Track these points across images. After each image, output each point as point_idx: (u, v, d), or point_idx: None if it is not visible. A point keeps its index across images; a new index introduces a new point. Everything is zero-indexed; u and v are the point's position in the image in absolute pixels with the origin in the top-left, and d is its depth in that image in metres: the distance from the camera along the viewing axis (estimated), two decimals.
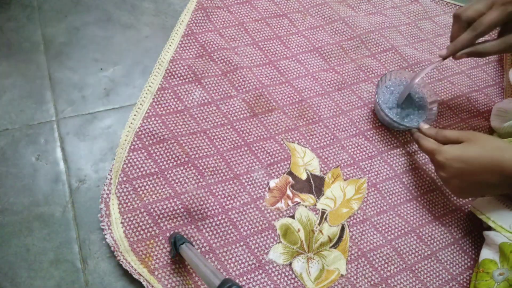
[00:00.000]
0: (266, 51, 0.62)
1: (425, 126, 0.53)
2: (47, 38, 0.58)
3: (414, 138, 0.53)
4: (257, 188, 0.51)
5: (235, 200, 0.50)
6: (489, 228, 0.48)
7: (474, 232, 0.53)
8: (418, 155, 0.57)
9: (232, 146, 0.53)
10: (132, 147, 0.50)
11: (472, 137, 0.45)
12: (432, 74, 0.66)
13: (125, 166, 0.49)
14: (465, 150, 0.45)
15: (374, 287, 0.47)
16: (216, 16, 0.64)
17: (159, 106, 0.54)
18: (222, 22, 0.63)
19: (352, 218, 0.51)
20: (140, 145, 0.51)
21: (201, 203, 0.48)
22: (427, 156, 0.57)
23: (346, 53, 0.65)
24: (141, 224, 0.46)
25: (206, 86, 0.57)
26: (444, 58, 0.52)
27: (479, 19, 0.47)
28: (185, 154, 0.51)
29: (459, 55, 0.50)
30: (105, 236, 0.45)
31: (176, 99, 0.55)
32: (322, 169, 0.54)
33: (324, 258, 0.48)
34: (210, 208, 0.48)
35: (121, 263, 0.44)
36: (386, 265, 0.49)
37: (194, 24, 0.62)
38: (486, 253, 0.46)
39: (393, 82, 0.60)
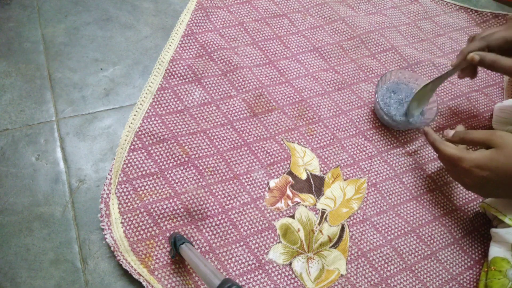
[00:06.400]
0: (266, 51, 0.62)
1: (450, 134, 0.50)
2: (47, 38, 0.58)
3: (431, 143, 0.50)
4: (257, 188, 0.51)
5: (235, 200, 0.50)
6: (497, 226, 0.47)
7: (474, 232, 0.53)
8: (418, 155, 0.57)
9: (232, 146, 0.53)
10: (132, 147, 0.50)
11: (500, 143, 0.43)
12: (432, 74, 0.66)
13: (125, 166, 0.49)
14: (492, 158, 0.42)
15: (374, 287, 0.47)
16: (216, 16, 0.64)
17: (159, 106, 0.54)
18: (222, 22, 0.63)
19: (352, 218, 0.51)
20: (140, 145, 0.51)
21: (201, 203, 0.48)
22: (427, 156, 0.57)
23: (346, 53, 0.65)
24: (141, 224, 0.46)
25: (206, 86, 0.57)
26: (456, 66, 0.52)
27: (491, 32, 0.50)
28: (185, 154, 0.51)
29: (471, 55, 0.49)
30: (105, 236, 0.45)
31: (176, 99, 0.55)
32: (322, 169, 0.54)
33: (324, 258, 0.48)
34: (210, 208, 0.48)
35: (121, 263, 0.44)
36: (386, 265, 0.49)
37: (194, 24, 0.62)
38: (496, 251, 0.45)
39: (393, 82, 0.60)
